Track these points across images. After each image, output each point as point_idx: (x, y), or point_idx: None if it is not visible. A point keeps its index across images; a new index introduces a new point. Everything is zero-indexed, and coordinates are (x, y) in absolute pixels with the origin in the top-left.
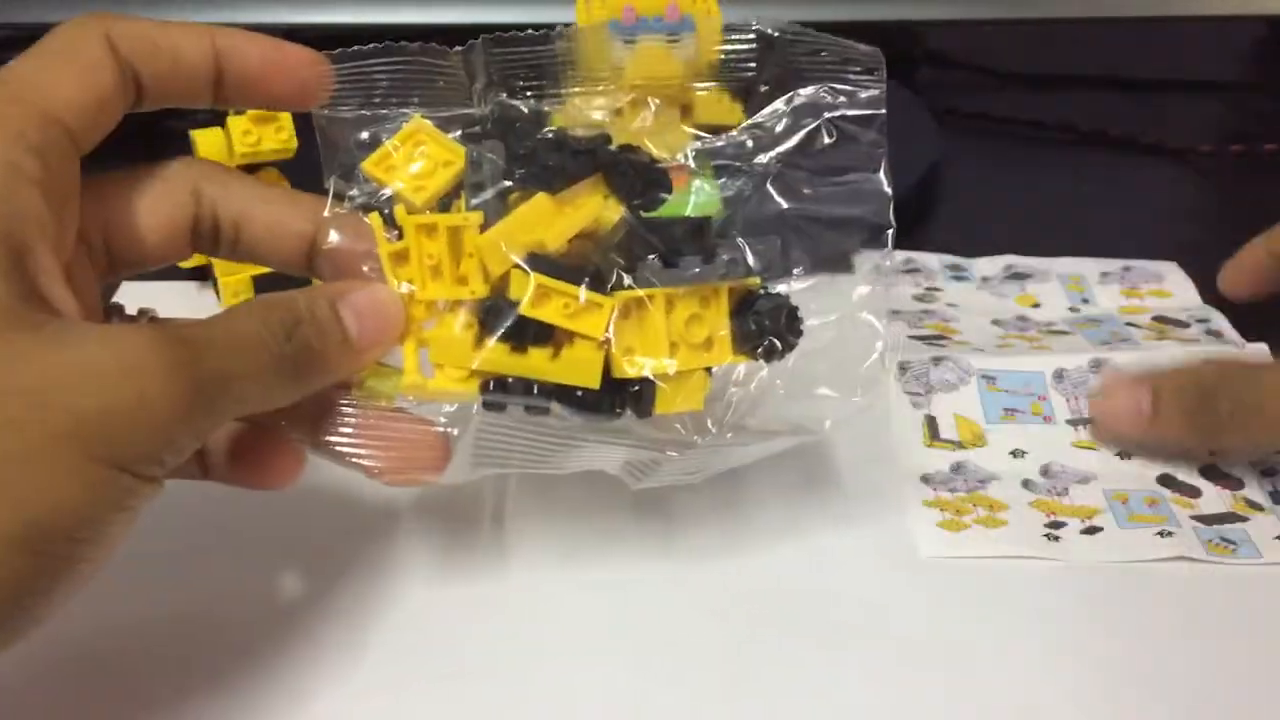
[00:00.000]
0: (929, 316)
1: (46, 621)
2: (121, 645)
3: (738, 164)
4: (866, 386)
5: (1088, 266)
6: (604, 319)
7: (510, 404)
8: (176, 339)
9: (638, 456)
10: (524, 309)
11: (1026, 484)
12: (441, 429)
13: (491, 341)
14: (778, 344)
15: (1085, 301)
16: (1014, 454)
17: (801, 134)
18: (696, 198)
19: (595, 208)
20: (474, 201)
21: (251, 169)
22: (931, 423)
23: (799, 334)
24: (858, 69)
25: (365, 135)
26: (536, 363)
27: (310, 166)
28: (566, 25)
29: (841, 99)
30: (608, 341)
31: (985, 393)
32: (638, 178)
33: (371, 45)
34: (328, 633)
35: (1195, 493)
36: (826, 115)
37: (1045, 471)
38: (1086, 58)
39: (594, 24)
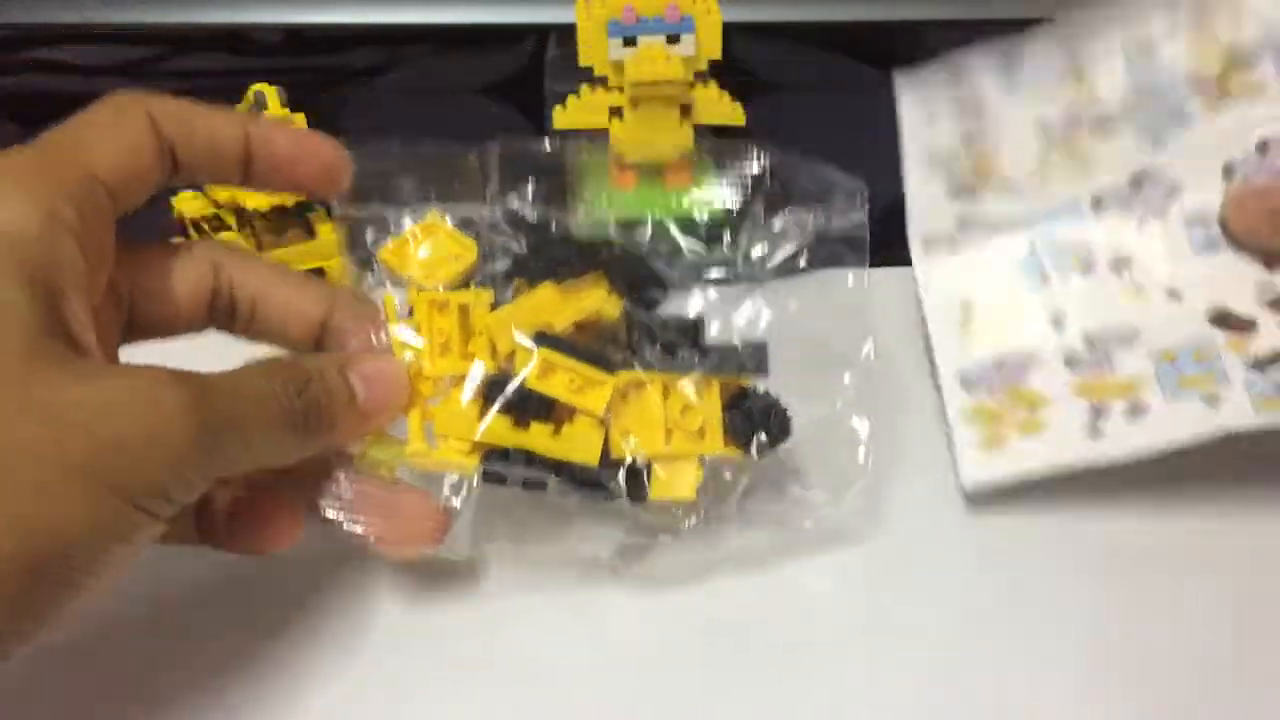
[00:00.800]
0: (970, 142)
1: (37, 643)
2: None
3: (727, 278)
4: (846, 488)
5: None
6: (605, 396)
7: (510, 477)
8: (190, 379)
9: (631, 540)
10: (530, 382)
11: (1069, 362)
12: (442, 501)
13: (494, 413)
14: (766, 439)
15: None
16: (1054, 323)
17: (789, 253)
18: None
19: (598, 300)
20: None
21: None
22: (966, 307)
23: (788, 433)
24: (844, 195)
25: (384, 227)
26: (538, 438)
27: None
28: (577, 140)
29: (825, 220)
30: (607, 421)
31: (1025, 260)
32: (637, 275)
33: (393, 143)
34: (307, 653)
35: (1249, 327)
36: (812, 236)
37: (1088, 340)
38: None
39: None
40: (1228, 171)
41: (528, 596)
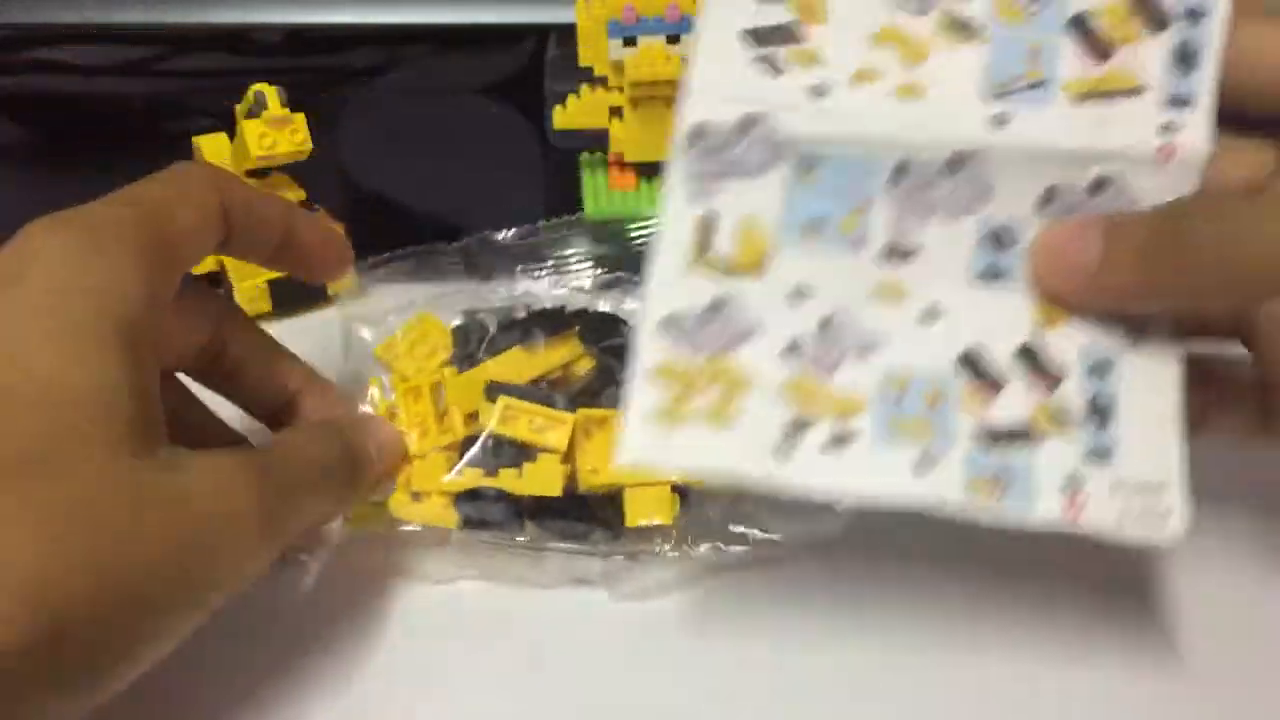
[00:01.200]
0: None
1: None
2: None
3: None
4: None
5: None
6: (565, 433)
7: (489, 518)
8: (253, 458)
9: (613, 562)
10: (494, 426)
11: (792, 349)
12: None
13: (463, 464)
14: None
15: None
16: (796, 293)
17: None
18: None
19: (565, 355)
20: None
21: (265, 172)
22: (704, 227)
23: None
24: None
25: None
26: (505, 482)
27: (323, 168)
28: (547, 223)
29: None
30: (571, 459)
31: (794, 187)
32: (609, 332)
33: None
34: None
35: (994, 386)
36: None
37: (824, 325)
38: None
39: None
40: (1047, 198)
41: (514, 615)
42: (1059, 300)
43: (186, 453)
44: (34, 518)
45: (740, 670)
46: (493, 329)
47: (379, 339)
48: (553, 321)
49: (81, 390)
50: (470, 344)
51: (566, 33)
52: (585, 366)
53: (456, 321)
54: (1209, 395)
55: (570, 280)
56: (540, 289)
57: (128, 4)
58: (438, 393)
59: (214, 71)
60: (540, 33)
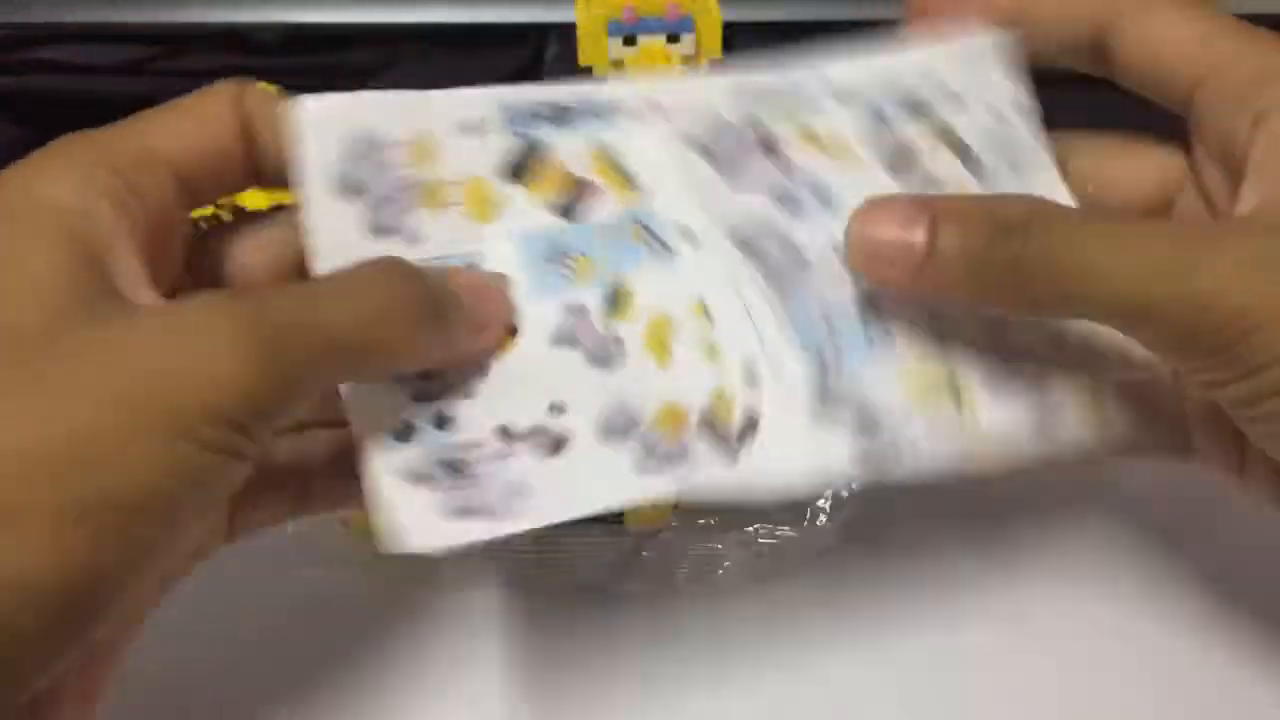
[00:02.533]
0: None
1: (123, 621)
2: None
3: None
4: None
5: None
6: None
7: None
8: (240, 292)
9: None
10: None
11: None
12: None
13: None
14: None
15: None
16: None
17: None
18: None
19: None
20: None
21: None
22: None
23: None
24: None
25: None
26: None
27: None
28: None
29: None
30: None
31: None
32: None
33: None
34: None
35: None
36: None
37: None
38: None
39: None
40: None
41: (515, 616)
42: (880, 285)
43: (156, 304)
44: None
45: (742, 669)
46: None
47: None
48: None
49: None
50: None
51: (566, 33)
52: None
53: None
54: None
55: None
56: None
57: (128, 4)
58: None
59: (214, 71)
60: (540, 33)
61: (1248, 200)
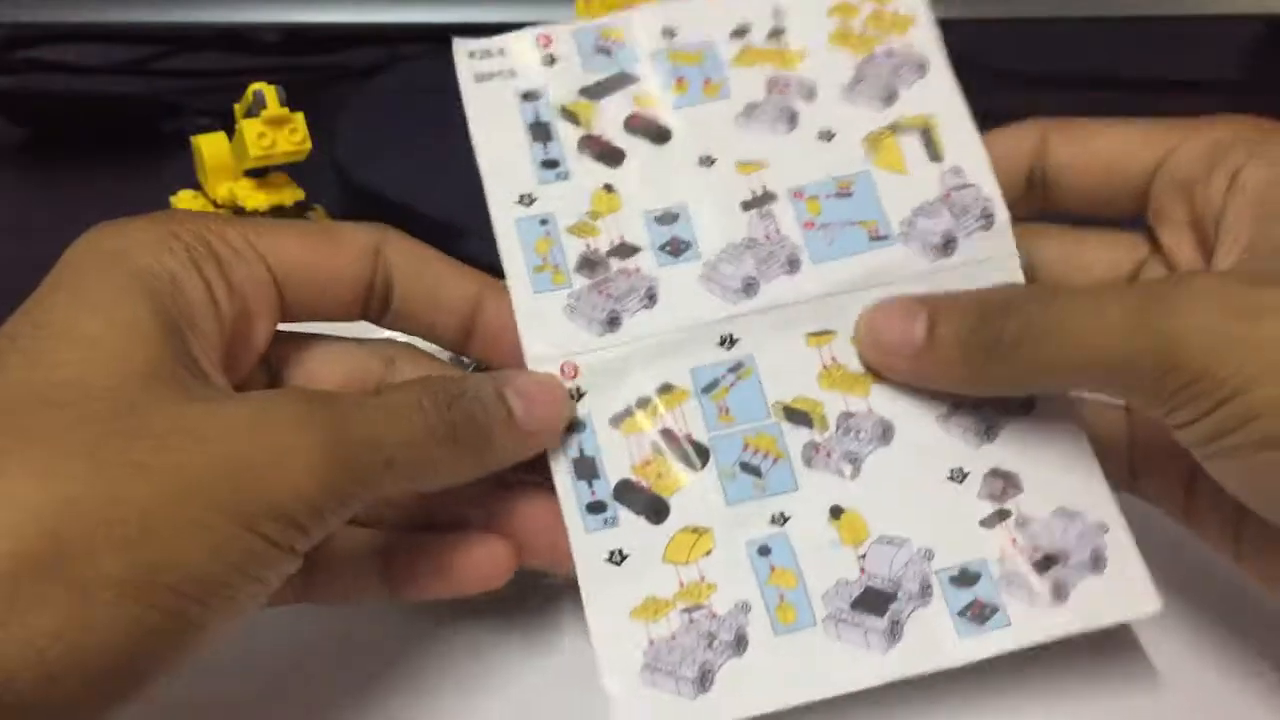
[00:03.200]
0: None
1: (154, 687)
2: None
3: None
4: None
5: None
6: None
7: None
8: (321, 398)
9: None
10: None
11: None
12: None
13: None
14: None
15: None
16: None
17: None
18: None
19: None
20: None
21: (263, 171)
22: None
23: None
24: None
25: None
26: None
27: (322, 167)
28: None
29: None
30: None
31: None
32: None
33: None
34: None
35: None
36: None
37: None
38: (1086, 58)
39: None
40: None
41: (515, 618)
42: (886, 374)
43: (233, 393)
44: (35, 454)
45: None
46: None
47: None
48: None
49: (94, 331)
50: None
51: None
52: None
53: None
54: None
55: None
56: None
57: (128, 4)
58: None
59: (214, 71)
60: None
61: (1223, 264)
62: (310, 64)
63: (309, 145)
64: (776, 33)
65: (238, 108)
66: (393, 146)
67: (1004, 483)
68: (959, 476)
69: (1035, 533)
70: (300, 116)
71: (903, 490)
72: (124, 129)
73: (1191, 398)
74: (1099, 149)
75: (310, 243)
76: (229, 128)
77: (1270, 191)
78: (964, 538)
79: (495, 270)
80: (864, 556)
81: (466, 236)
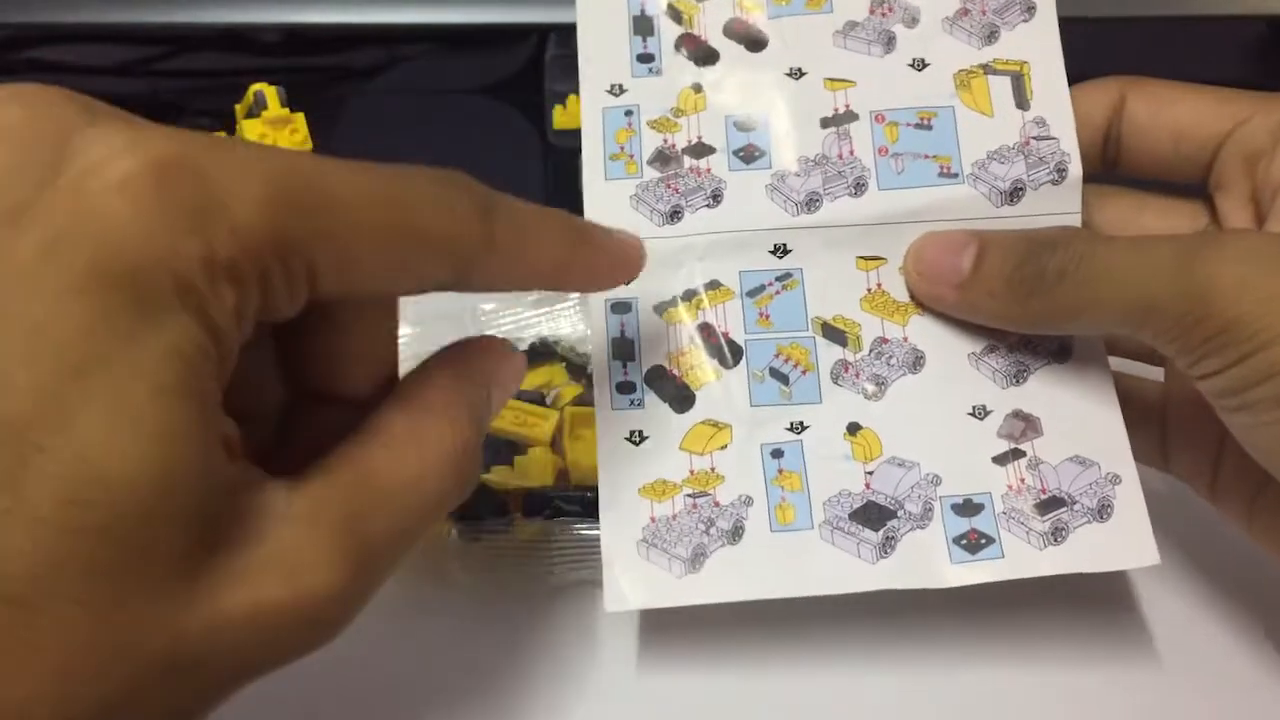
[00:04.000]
0: None
1: None
2: None
3: None
4: None
5: None
6: (552, 424)
7: (478, 517)
8: (347, 508)
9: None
10: None
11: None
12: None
13: None
14: None
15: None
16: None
17: None
18: None
19: (548, 375)
20: None
21: None
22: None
23: None
24: None
25: None
26: (498, 477)
27: None
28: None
29: None
30: (562, 454)
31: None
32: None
33: None
34: None
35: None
36: None
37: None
38: (1087, 58)
39: None
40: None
41: (515, 618)
42: (930, 303)
43: (250, 555)
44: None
45: (744, 669)
46: None
47: None
48: (538, 355)
49: (130, 486)
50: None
51: (566, 33)
52: (572, 393)
53: None
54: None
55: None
56: (530, 316)
57: (128, 4)
58: None
59: (214, 71)
60: (540, 33)
61: (1273, 229)
62: (310, 64)
63: (310, 146)
64: None
65: (238, 108)
66: (393, 147)
67: (1025, 424)
68: (981, 413)
69: (1045, 474)
70: (301, 117)
71: (922, 417)
72: None
73: (1220, 347)
74: (1174, 114)
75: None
76: (230, 128)
77: None
78: (974, 470)
79: None
80: (871, 473)
81: None
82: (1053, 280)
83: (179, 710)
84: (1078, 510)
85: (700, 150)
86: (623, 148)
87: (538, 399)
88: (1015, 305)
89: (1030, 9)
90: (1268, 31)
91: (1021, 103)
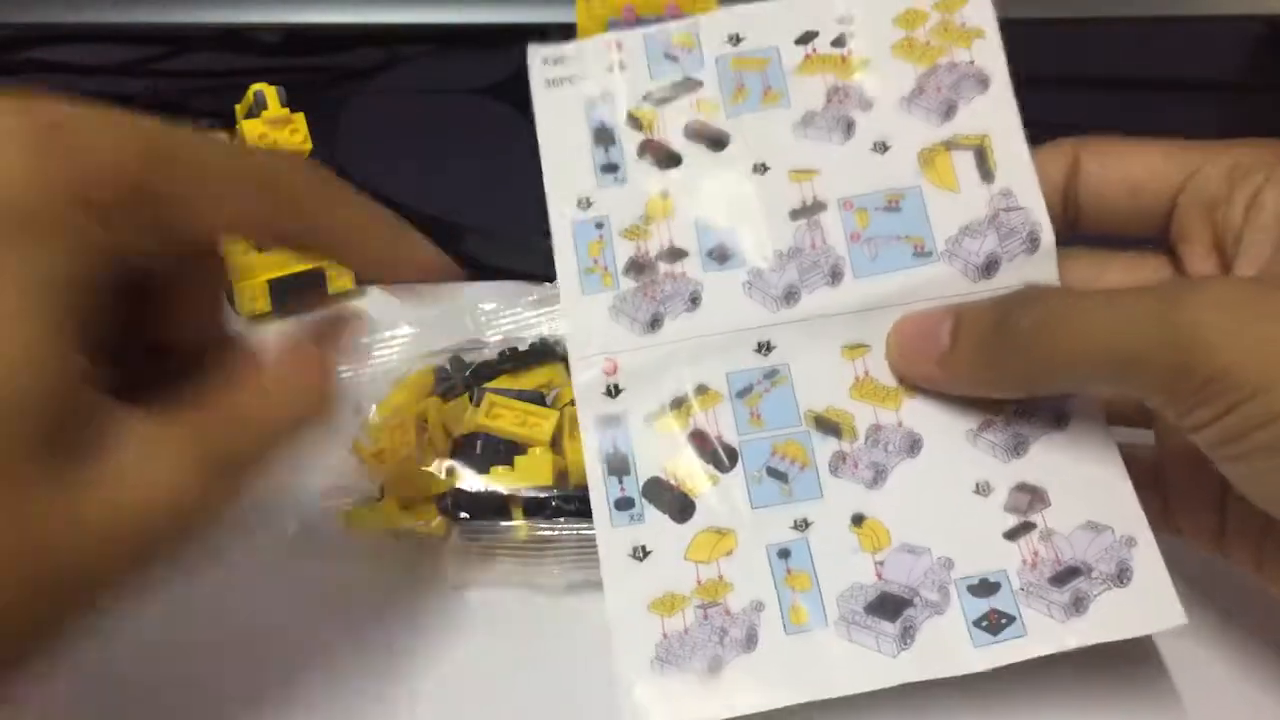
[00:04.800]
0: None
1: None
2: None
3: None
4: None
5: None
6: (552, 424)
7: (476, 509)
8: (195, 435)
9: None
10: (480, 420)
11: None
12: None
13: (452, 465)
14: None
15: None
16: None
17: None
18: None
19: (547, 375)
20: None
21: None
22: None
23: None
24: None
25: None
26: (498, 478)
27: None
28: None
29: None
30: (562, 454)
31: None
32: None
33: None
34: None
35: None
36: None
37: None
38: (1087, 58)
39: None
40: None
41: (513, 618)
42: (918, 384)
43: (100, 439)
44: None
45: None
46: (476, 363)
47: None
48: (539, 356)
49: None
50: (452, 378)
51: (566, 33)
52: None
53: (438, 362)
54: None
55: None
56: (530, 316)
57: (128, 4)
58: (422, 423)
59: (214, 71)
60: (540, 33)
61: (1242, 274)
62: (310, 64)
63: (309, 146)
64: (841, 40)
65: (238, 108)
66: (393, 147)
67: (1031, 496)
68: (985, 490)
69: (1059, 545)
70: (301, 117)
71: (927, 501)
72: None
73: (1209, 397)
74: (1127, 170)
75: None
76: (230, 128)
77: None
78: (986, 549)
79: (499, 276)
80: (882, 563)
81: (466, 236)
82: (1030, 337)
83: (39, 621)
84: (1096, 578)
85: (674, 255)
86: (596, 260)
87: (538, 399)
88: (997, 369)
89: (984, 81)
90: (1267, 31)
91: (986, 176)
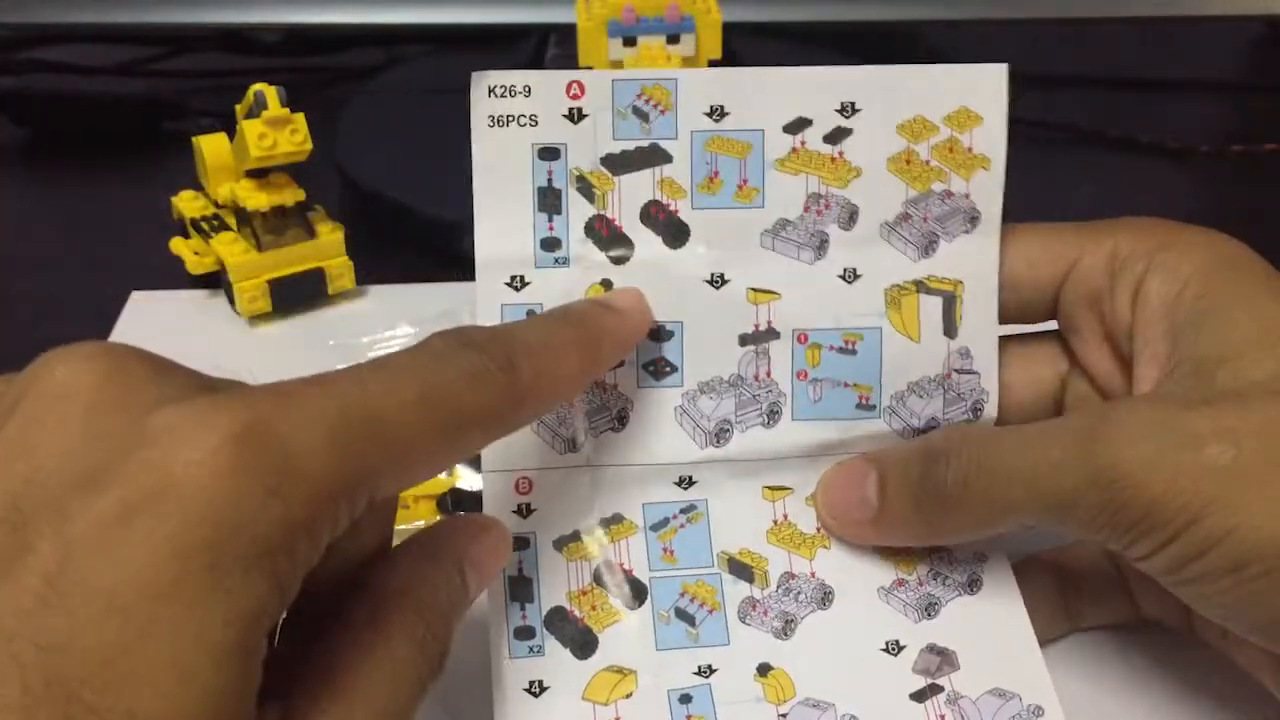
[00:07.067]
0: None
1: None
2: None
3: None
4: None
5: None
6: None
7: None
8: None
9: None
10: None
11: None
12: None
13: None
14: None
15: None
16: None
17: None
18: None
19: None
20: None
21: (264, 171)
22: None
23: None
24: None
25: None
26: None
27: (323, 168)
28: None
29: None
30: None
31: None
32: None
33: None
34: None
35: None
36: None
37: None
38: (1086, 58)
39: None
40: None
41: None
42: (850, 540)
43: None
44: None
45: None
46: None
47: None
48: None
49: None
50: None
51: (566, 33)
52: None
53: None
54: (1077, 589)
55: None
56: None
57: (128, 4)
58: None
59: (214, 71)
60: (540, 33)
61: (1145, 380)
62: (311, 64)
63: (310, 146)
64: (835, 136)
65: (239, 108)
66: (393, 146)
67: (940, 659)
68: (894, 649)
69: (966, 710)
70: (301, 117)
71: (835, 656)
72: (124, 129)
73: (1147, 530)
74: (1005, 263)
75: None
76: (230, 128)
77: (1176, 303)
78: (892, 709)
79: None
80: (785, 715)
81: (466, 236)
82: (957, 493)
83: None
84: None
85: None
86: None
87: None
88: (931, 526)
89: (974, 219)
90: (1267, 31)
91: (950, 329)
